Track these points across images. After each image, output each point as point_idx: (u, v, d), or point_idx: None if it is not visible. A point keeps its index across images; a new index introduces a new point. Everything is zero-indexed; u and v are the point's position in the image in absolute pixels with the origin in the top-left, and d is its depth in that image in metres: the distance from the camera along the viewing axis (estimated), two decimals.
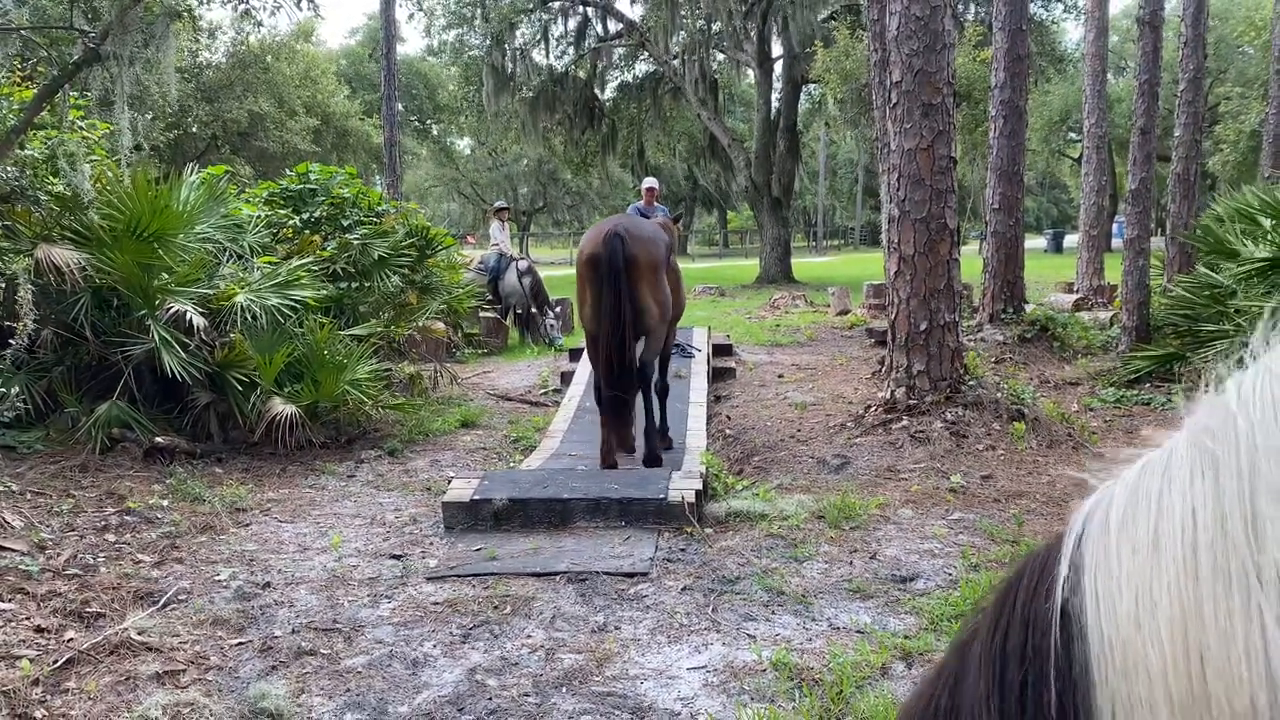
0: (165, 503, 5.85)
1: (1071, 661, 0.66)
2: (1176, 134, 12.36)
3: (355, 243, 9.05)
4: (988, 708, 0.71)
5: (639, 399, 6.63)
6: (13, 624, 4.03)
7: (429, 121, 44.99)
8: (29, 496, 5.71)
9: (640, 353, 6.56)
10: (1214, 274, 9.04)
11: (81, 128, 7.82)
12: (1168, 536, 0.62)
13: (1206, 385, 0.68)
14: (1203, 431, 0.64)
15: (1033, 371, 10.10)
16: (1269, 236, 8.53)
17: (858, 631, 4.04)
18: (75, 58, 8.14)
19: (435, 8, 28.85)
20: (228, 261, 7.84)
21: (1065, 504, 5.73)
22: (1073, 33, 34.90)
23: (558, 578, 4.70)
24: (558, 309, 14.69)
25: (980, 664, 0.73)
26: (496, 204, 16.42)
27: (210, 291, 7.25)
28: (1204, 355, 8.47)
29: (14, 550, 4.78)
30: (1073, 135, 37.86)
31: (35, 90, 7.85)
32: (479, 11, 27.97)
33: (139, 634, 4.03)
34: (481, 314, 13.88)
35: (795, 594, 4.44)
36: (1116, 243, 15.91)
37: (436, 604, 4.44)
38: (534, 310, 14.60)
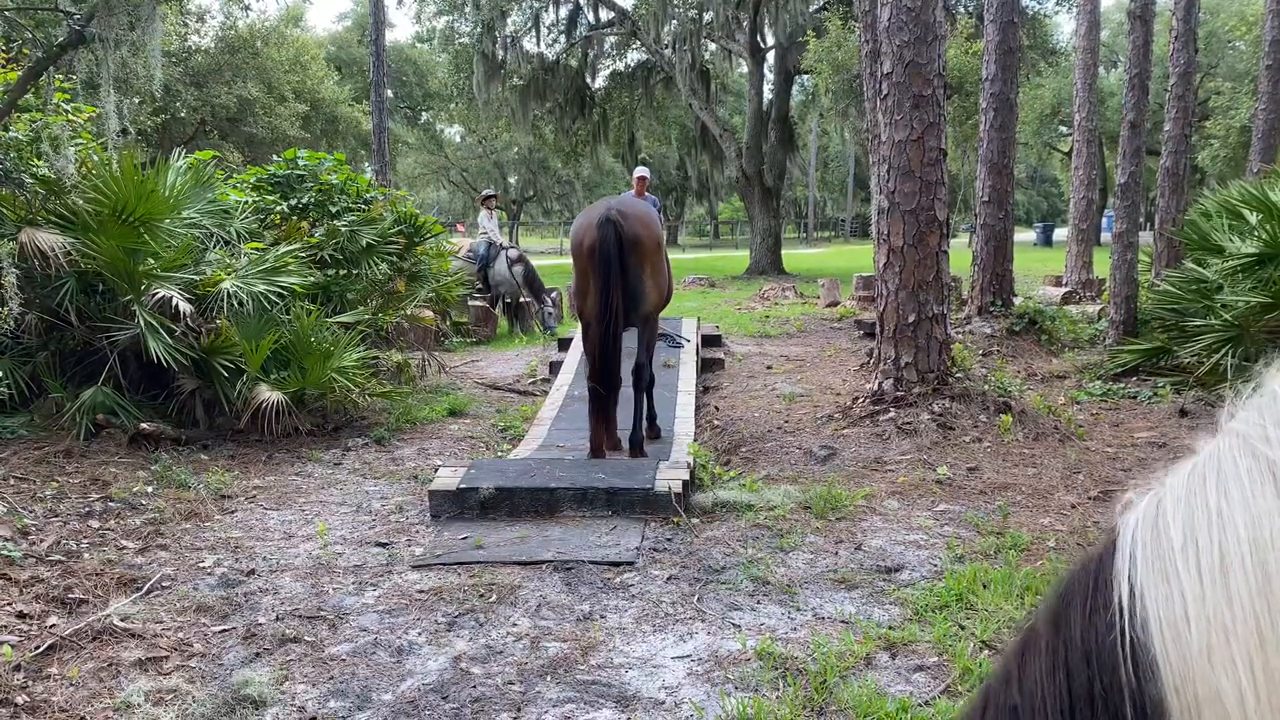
0: (150, 489, 5.83)
1: (1145, 701, 0.61)
2: (1166, 128, 12.38)
3: (343, 229, 9.00)
4: None
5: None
6: None
7: (419, 109, 44.77)
8: (12, 482, 5.68)
9: (637, 348, 6.54)
10: (1201, 269, 9.08)
11: (67, 110, 7.75)
12: (1234, 556, 0.57)
13: (1251, 388, 0.64)
14: (1256, 437, 0.60)
15: (1020, 364, 10.13)
16: (1255, 232, 8.57)
17: (842, 621, 4.05)
18: (60, 40, 8.07)
19: None
20: (214, 247, 7.79)
21: (1050, 496, 5.76)
22: (1065, 26, 34.91)
23: (544, 566, 4.70)
24: (553, 294, 14.67)
25: (1045, 708, 0.67)
26: (484, 192, 16.36)
27: (196, 277, 7.20)
28: (1190, 349, 8.52)
29: None
30: (1064, 129, 37.94)
31: (20, 72, 7.77)
32: None
33: (122, 620, 4.01)
34: (470, 303, 13.85)
35: (780, 584, 4.45)
36: (1106, 236, 15.97)
37: (422, 592, 4.44)
38: (527, 299, 14.57)
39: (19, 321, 6.55)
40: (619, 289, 6.13)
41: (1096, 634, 0.65)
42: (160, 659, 3.73)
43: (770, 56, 28.67)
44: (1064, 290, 15.91)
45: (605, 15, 28.97)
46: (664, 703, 3.42)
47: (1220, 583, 0.58)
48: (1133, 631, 0.62)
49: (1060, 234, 36.49)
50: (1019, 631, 0.74)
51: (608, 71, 31.15)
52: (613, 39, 29.85)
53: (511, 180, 52.90)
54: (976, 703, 0.77)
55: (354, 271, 9.07)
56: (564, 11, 29.05)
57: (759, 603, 4.28)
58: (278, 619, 4.13)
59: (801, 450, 6.87)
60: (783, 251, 29.66)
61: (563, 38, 29.25)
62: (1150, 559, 0.63)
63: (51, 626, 3.95)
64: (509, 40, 28.07)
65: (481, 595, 4.36)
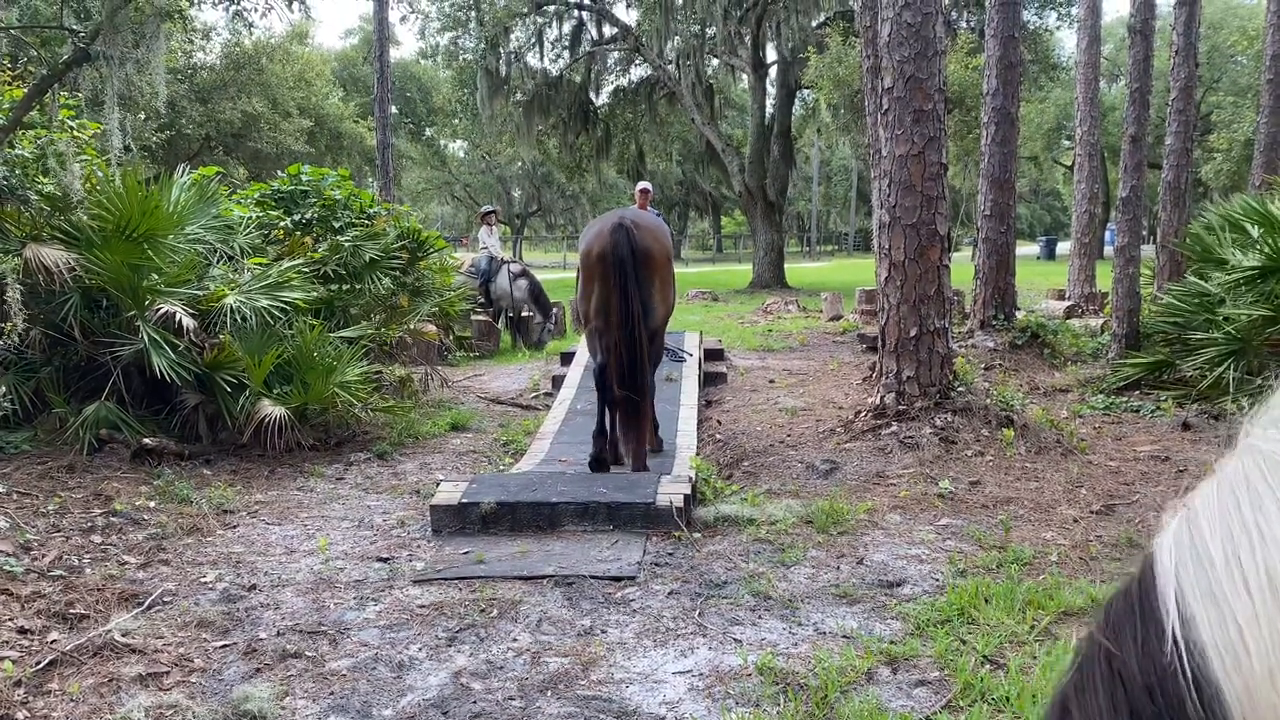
0: (152, 504, 5.83)
1: None
2: (1168, 142, 12.41)
3: (346, 245, 9.03)
4: None
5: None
6: None
7: (423, 124, 44.97)
8: (15, 497, 5.69)
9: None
10: (1203, 282, 9.08)
11: (71, 127, 7.79)
12: None
13: (1263, 403, 0.64)
14: None
15: (1023, 378, 10.11)
16: (1257, 245, 8.57)
17: (844, 636, 4.04)
18: (65, 57, 8.13)
19: (430, 10, 28.87)
20: (218, 263, 7.83)
21: (1053, 510, 5.74)
22: (1067, 41, 34.99)
23: (545, 581, 4.69)
24: (554, 311, 14.71)
25: None
26: (483, 209, 16.48)
27: (200, 292, 7.23)
28: (1193, 363, 8.51)
29: None
30: (1067, 143, 38.02)
31: (25, 89, 7.83)
32: (474, 15, 27.96)
33: (123, 636, 4.01)
34: (473, 317, 13.88)
35: (782, 598, 4.44)
36: (1109, 250, 15.98)
37: (423, 607, 4.43)
38: (529, 314, 14.62)
39: (23, 337, 6.57)
40: (635, 296, 6.11)
41: (1155, 666, 0.62)
42: (161, 674, 3.73)
43: (773, 72, 28.81)
44: (1067, 304, 15.90)
45: (608, 31, 29.13)
46: (665, 718, 3.41)
47: (1272, 600, 0.56)
48: (1191, 661, 0.59)
49: (1063, 247, 36.53)
50: (1069, 668, 0.71)
51: (611, 87, 31.30)
52: (616, 55, 29.99)
53: (515, 195, 53.06)
54: None
55: (357, 286, 9.09)
56: (567, 28, 29.22)
57: (760, 617, 4.27)
58: (279, 634, 4.13)
59: (803, 464, 6.86)
60: (785, 265, 29.71)
61: (566, 53, 29.39)
62: (1195, 582, 0.61)
63: (52, 642, 3.95)
64: (512, 56, 28.22)
65: (482, 610, 4.36)
